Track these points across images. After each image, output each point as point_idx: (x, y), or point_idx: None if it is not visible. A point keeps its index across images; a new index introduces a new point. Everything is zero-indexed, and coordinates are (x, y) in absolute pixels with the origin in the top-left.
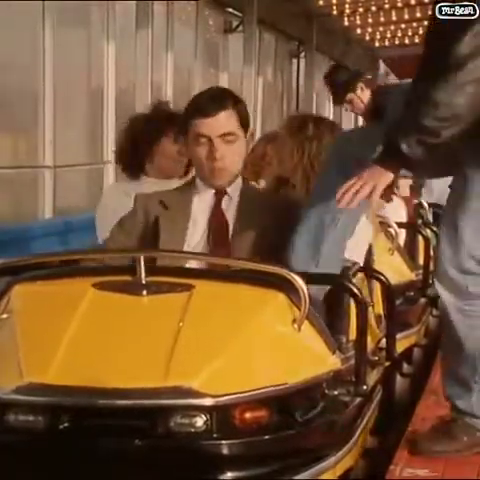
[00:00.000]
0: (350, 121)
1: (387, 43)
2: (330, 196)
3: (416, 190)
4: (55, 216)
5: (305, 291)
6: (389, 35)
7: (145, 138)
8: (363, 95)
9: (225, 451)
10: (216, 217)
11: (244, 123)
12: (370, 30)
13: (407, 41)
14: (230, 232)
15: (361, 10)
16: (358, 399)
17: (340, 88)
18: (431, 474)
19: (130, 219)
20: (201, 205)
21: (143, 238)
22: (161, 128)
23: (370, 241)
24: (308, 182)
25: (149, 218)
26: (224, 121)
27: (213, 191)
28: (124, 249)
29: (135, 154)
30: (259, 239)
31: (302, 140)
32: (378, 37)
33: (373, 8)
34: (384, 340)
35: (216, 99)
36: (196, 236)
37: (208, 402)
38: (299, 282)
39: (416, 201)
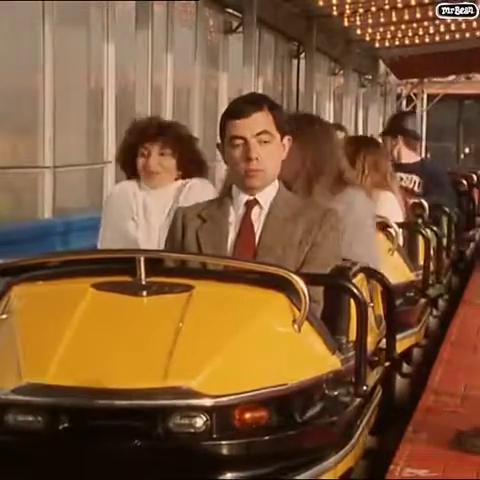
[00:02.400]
0: (350, 120)
1: (387, 44)
2: None
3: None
4: (55, 216)
5: (305, 292)
6: (389, 36)
7: (137, 148)
8: None
9: (225, 452)
10: (244, 229)
11: (280, 127)
12: (370, 31)
13: (407, 42)
14: (256, 244)
15: (361, 11)
16: (358, 399)
17: None
18: (431, 474)
19: (170, 238)
20: (234, 216)
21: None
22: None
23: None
24: (310, 184)
25: (187, 232)
26: (259, 121)
27: (245, 200)
28: (124, 249)
29: (132, 160)
30: (287, 251)
31: (302, 143)
32: (378, 38)
33: (373, 9)
34: (384, 340)
35: (251, 101)
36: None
37: (208, 402)
38: (299, 283)
39: (415, 201)
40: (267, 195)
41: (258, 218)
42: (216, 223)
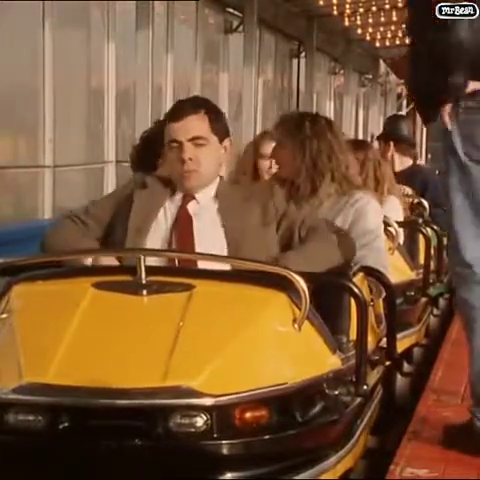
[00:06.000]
0: (351, 120)
1: (388, 43)
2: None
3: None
4: (55, 216)
5: (306, 291)
6: (389, 35)
7: (156, 147)
8: None
9: (225, 451)
10: (181, 221)
11: (217, 131)
12: (371, 30)
13: (408, 41)
14: (195, 236)
15: (361, 10)
16: (358, 399)
17: None
18: (431, 474)
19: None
20: (172, 205)
21: (117, 211)
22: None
23: None
24: (313, 183)
25: (125, 190)
26: (193, 124)
27: (182, 194)
28: (124, 249)
29: (148, 160)
30: (248, 232)
31: (302, 140)
32: (379, 37)
33: (374, 8)
34: (385, 340)
35: (187, 104)
36: (159, 233)
37: (208, 402)
38: (300, 282)
39: (416, 200)
40: (206, 193)
41: (198, 213)
42: (154, 193)
